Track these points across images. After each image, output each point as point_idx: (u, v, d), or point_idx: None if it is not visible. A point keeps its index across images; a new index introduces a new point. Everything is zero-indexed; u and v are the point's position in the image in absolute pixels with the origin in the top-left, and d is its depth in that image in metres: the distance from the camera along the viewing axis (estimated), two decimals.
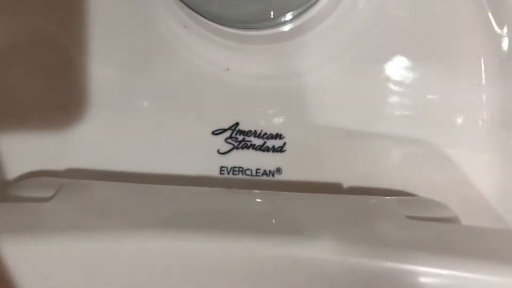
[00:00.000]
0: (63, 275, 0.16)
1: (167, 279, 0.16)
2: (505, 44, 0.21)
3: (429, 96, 0.22)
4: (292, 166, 0.22)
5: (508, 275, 0.16)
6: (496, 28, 0.21)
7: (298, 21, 0.23)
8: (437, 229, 0.17)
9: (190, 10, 0.21)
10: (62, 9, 0.23)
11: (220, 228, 0.16)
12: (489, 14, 0.21)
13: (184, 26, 0.22)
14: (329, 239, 0.16)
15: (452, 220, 0.18)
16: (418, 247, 0.16)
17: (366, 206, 0.18)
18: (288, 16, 0.23)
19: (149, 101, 0.23)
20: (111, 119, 0.23)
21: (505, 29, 0.21)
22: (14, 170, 0.23)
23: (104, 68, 0.23)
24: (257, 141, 0.22)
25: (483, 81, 0.21)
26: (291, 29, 0.23)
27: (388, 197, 0.19)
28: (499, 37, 0.21)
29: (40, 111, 0.23)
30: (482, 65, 0.21)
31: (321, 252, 0.15)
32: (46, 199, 0.17)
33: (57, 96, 0.23)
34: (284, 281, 0.16)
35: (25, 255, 0.16)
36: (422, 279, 0.16)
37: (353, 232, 0.16)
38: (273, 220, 0.17)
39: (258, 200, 0.19)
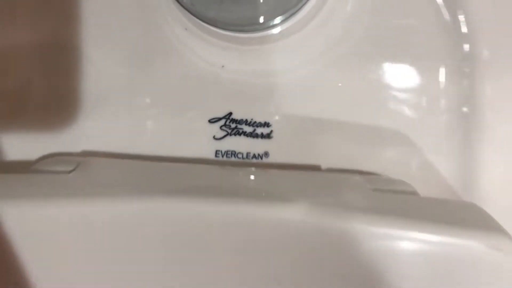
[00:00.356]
0: (81, 236, 0.19)
1: (164, 238, 0.19)
2: (464, 46, 0.25)
3: (395, 92, 0.25)
4: (278, 151, 0.25)
5: (457, 235, 0.19)
6: (456, 32, 0.24)
7: (286, 25, 0.26)
8: (397, 198, 0.20)
9: (191, 15, 0.24)
10: (72, 13, 0.26)
11: (205, 194, 0.19)
12: (448, 16, 0.24)
13: (186, 29, 0.26)
14: (302, 204, 0.19)
15: (412, 194, 0.21)
16: (380, 211, 0.19)
17: (337, 180, 0.22)
18: (277, 21, 0.26)
19: (152, 96, 0.26)
20: (117, 113, 0.26)
21: (463, 32, 0.24)
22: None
23: (112, 67, 0.26)
24: (248, 129, 0.25)
25: (443, 81, 0.25)
26: (279, 32, 0.26)
27: (356, 174, 0.22)
28: (458, 40, 0.24)
29: (52, 106, 0.26)
30: (443, 65, 0.25)
31: (294, 214, 0.18)
32: (67, 172, 0.20)
33: (69, 92, 0.26)
34: (261, 240, 0.19)
35: (47, 220, 0.19)
36: (383, 239, 0.19)
37: (324, 199, 0.19)
38: (255, 189, 0.20)
39: (244, 174, 0.22)
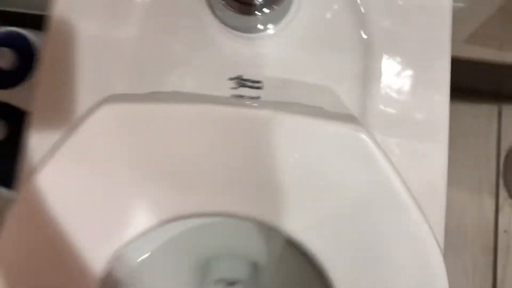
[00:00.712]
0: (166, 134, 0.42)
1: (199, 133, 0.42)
2: (363, 33, 0.46)
3: (328, 63, 0.46)
4: (265, 96, 0.47)
5: (338, 124, 0.40)
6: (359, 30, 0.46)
7: (275, 29, 0.48)
8: (314, 110, 0.42)
9: (220, 22, 0.47)
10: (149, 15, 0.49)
11: (225, 104, 0.41)
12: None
13: (219, 32, 0.48)
14: (269, 108, 0.40)
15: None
16: (304, 114, 0.40)
17: (292, 104, 0.43)
18: (270, 27, 0.48)
19: (196, 65, 0.48)
20: (175, 76, 0.48)
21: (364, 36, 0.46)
22: None
23: (172, 48, 0.48)
24: (250, 84, 0.47)
25: (352, 55, 0.46)
26: (272, 33, 0.48)
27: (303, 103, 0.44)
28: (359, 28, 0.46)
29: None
30: (354, 46, 0.46)
31: (263, 112, 0.40)
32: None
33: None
34: (244, 125, 0.41)
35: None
36: (302, 131, 0.40)
37: (280, 108, 0.41)
38: (249, 105, 0.42)
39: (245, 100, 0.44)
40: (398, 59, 0.46)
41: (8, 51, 0.74)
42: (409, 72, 0.46)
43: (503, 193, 0.92)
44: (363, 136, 0.39)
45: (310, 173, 0.40)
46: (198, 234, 0.61)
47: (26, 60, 0.76)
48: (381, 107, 0.45)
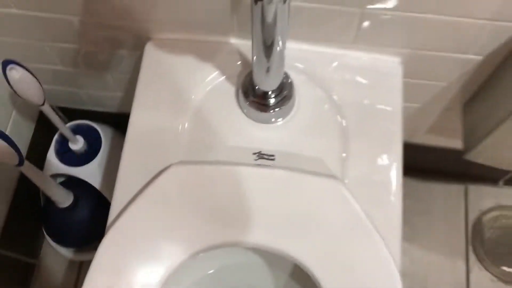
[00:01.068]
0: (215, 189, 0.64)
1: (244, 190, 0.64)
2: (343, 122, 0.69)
3: (324, 145, 0.69)
4: (277, 164, 0.69)
5: (321, 179, 0.62)
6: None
7: (284, 121, 0.72)
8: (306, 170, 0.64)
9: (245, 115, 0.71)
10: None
11: (251, 166, 0.63)
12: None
13: (246, 122, 0.72)
14: (281, 170, 0.63)
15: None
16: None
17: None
18: (279, 120, 0.72)
19: (228, 147, 0.71)
20: (211, 155, 0.71)
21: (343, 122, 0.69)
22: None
23: (210, 131, 0.72)
24: (266, 157, 0.70)
25: (338, 141, 0.69)
26: (281, 123, 0.72)
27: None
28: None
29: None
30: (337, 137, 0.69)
31: (278, 171, 0.62)
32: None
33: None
34: (264, 182, 0.63)
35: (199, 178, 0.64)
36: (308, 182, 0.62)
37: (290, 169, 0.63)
38: (267, 167, 0.64)
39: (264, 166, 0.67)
40: (364, 143, 0.69)
41: (81, 138, 0.98)
42: (371, 153, 0.69)
43: (472, 257, 1.10)
44: (342, 187, 0.61)
45: (306, 212, 0.61)
46: (223, 274, 0.80)
47: (93, 146, 1.00)
48: (353, 174, 0.67)
